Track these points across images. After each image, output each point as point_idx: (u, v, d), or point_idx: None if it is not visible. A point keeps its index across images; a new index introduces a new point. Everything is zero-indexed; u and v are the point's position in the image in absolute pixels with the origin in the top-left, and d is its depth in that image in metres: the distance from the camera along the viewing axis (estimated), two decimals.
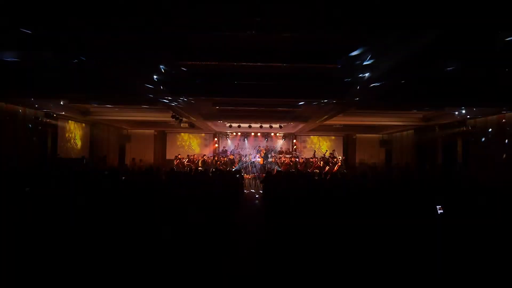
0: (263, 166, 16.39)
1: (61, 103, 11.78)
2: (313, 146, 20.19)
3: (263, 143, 19.56)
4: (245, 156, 18.10)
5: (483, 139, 11.34)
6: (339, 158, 15.79)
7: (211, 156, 18.19)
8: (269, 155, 17.64)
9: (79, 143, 15.22)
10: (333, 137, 20.33)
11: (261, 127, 16.47)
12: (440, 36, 4.72)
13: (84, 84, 8.43)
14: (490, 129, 11.09)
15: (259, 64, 6.78)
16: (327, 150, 17.77)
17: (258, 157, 17.42)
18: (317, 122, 13.87)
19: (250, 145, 19.71)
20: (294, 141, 20.34)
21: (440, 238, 3.28)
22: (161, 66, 7.21)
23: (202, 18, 4.85)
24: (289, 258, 3.46)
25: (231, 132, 19.39)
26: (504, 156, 10.27)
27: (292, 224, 3.88)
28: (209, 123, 15.84)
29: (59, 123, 13.36)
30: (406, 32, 4.83)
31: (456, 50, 5.49)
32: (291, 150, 19.70)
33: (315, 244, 3.43)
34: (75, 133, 14.91)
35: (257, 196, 12.72)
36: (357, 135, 19.86)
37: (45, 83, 8.29)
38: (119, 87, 8.54)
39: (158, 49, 6.16)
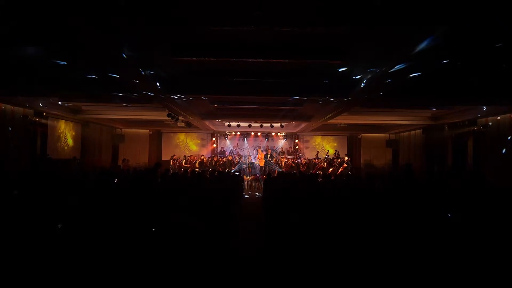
0: (263, 167, 15.87)
1: (51, 101, 11.22)
2: (316, 146, 19.61)
3: (264, 143, 18.96)
4: (245, 157, 17.49)
5: (495, 138, 10.84)
6: (345, 159, 15.09)
7: (209, 157, 17.63)
8: (270, 155, 17.06)
9: (70, 143, 14.61)
10: (337, 137, 19.73)
11: (261, 126, 15.89)
12: (449, 32, 4.52)
13: (75, 81, 8.04)
14: (502, 129, 10.62)
15: (259, 60, 6.51)
16: (328, 151, 17.23)
17: (258, 158, 16.87)
18: (320, 121, 13.44)
19: (250, 145, 19.11)
20: (296, 141, 19.74)
21: (441, 238, 3.31)
22: (157, 63, 6.98)
23: (200, 12, 4.71)
24: (290, 268, 3.42)
25: (230, 132, 18.79)
26: None
27: (293, 229, 3.83)
28: (207, 122, 15.44)
29: (49, 122, 12.79)
30: (414, 28, 4.61)
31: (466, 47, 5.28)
32: (293, 151, 19.12)
33: (317, 251, 3.37)
34: (65, 132, 14.29)
35: (258, 198, 12.25)
36: (362, 134, 19.22)
37: (34, 80, 7.88)
38: (113, 85, 8.05)
39: (154, 45, 5.98)
